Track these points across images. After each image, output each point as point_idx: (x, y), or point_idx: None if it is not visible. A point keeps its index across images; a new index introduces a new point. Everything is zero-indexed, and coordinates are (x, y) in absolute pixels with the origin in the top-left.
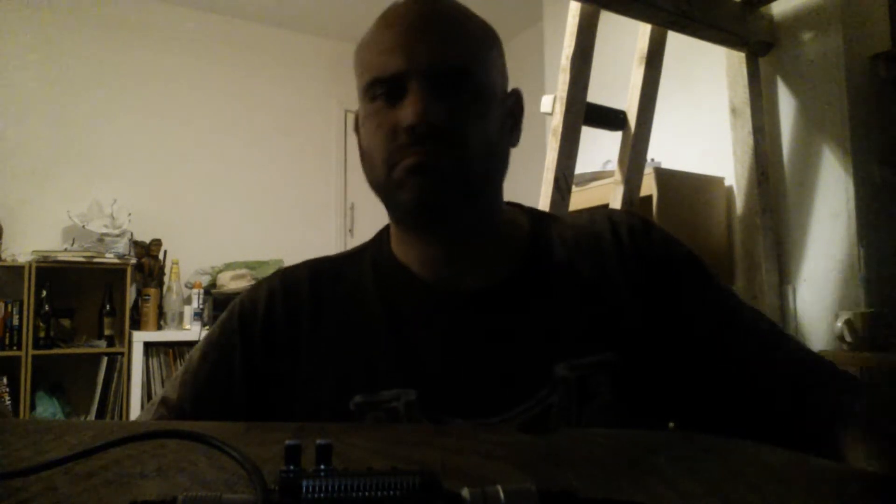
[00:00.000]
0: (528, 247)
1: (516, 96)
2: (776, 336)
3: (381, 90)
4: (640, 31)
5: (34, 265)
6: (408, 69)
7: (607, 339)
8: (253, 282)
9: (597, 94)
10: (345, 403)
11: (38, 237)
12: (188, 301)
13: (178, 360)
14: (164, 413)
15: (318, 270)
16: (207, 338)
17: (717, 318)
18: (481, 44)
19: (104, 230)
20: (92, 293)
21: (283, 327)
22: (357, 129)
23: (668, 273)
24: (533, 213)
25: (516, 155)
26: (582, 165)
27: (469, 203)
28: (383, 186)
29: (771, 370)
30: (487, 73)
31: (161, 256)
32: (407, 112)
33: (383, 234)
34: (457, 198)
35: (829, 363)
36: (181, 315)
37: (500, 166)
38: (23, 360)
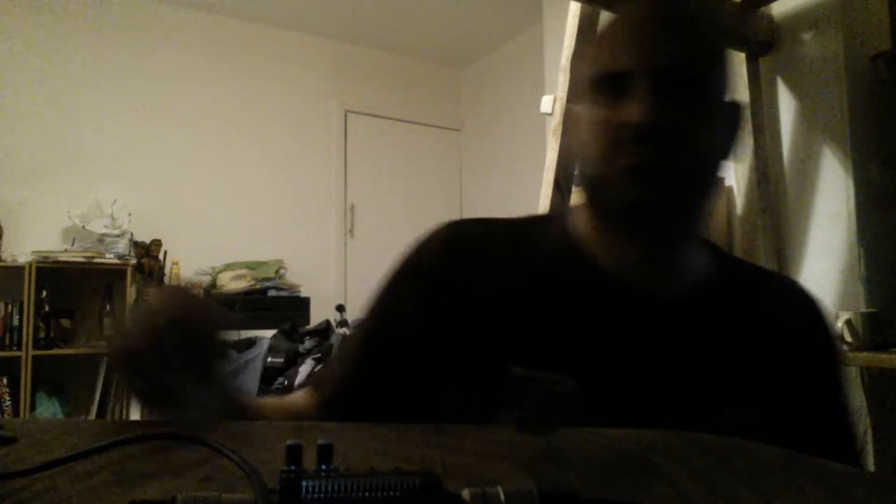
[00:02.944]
0: (714, 275)
1: (736, 107)
2: (837, 437)
3: (606, 85)
4: None
5: (34, 265)
6: (638, 67)
7: (744, 395)
8: (253, 282)
9: None
10: (499, 368)
11: (38, 237)
12: None
13: None
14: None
15: (495, 233)
16: (385, 282)
17: (816, 410)
18: (717, 56)
19: (104, 230)
20: (92, 293)
21: (457, 276)
22: (566, 128)
23: (813, 357)
24: (708, 241)
25: (516, 155)
26: None
27: (679, 210)
28: (595, 181)
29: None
30: (718, 85)
31: (161, 257)
32: (632, 109)
33: (563, 216)
34: (669, 203)
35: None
36: None
37: (714, 177)
38: (23, 360)
